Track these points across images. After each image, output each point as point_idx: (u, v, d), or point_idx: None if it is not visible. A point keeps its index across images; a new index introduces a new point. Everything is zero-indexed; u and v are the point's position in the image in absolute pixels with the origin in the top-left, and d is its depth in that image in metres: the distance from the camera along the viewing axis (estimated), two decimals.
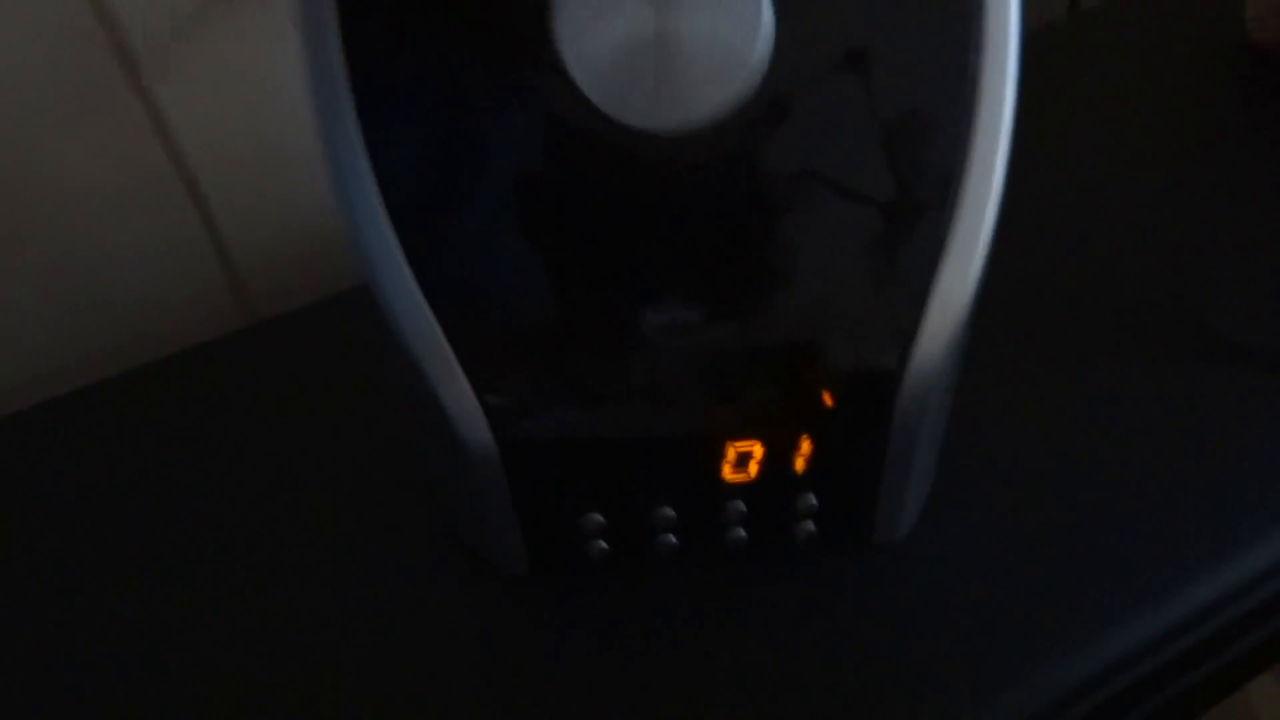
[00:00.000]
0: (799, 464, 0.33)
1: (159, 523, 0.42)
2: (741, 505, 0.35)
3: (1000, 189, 0.29)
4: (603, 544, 0.36)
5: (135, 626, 0.38)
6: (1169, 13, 0.66)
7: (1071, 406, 0.42)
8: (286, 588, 0.39)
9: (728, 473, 0.33)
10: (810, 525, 0.36)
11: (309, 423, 0.45)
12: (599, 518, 0.35)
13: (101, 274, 0.58)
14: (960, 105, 0.28)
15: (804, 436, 0.33)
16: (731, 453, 0.33)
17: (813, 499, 0.35)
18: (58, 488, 0.44)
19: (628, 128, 0.28)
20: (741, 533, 0.36)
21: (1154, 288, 0.46)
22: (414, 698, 0.35)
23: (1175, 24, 0.65)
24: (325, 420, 0.45)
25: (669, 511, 0.35)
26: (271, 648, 0.37)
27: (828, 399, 0.32)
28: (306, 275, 0.62)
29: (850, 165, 0.29)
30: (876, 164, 0.29)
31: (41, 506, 0.43)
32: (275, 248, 0.62)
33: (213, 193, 0.59)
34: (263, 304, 0.63)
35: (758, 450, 0.33)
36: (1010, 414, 0.41)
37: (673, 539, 0.36)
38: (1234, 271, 0.47)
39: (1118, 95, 0.60)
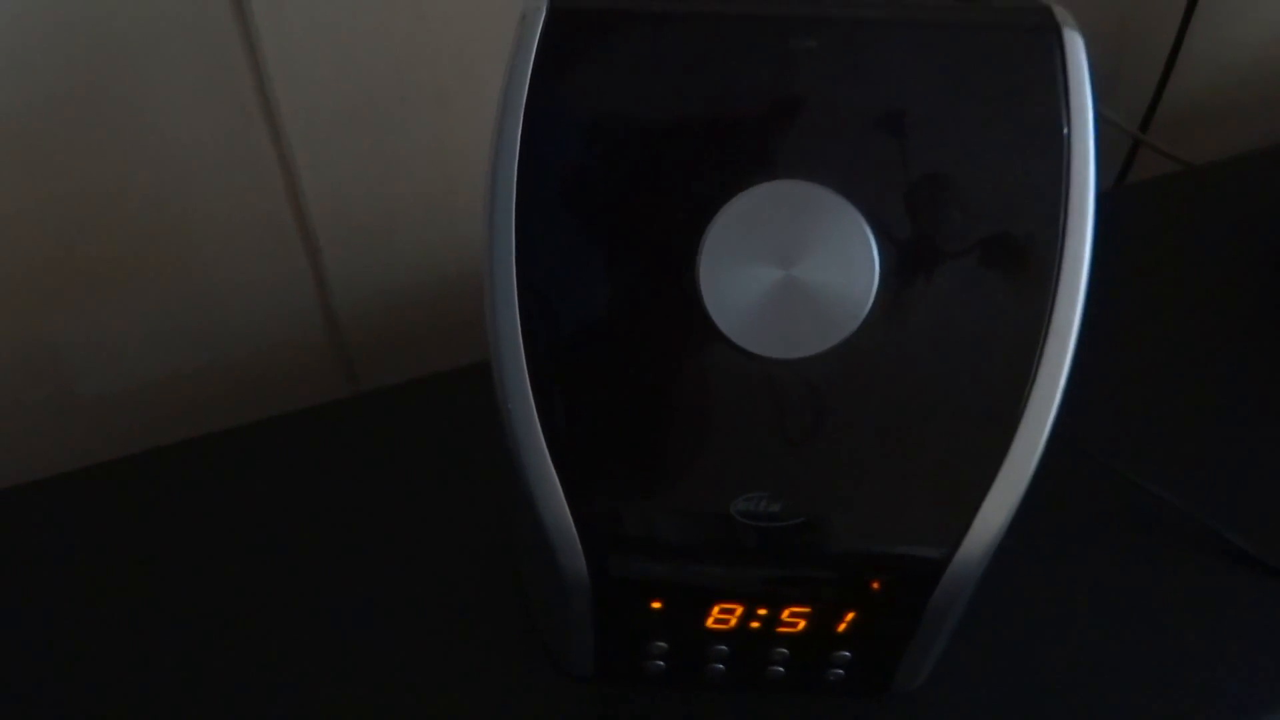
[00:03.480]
0: (841, 627, 0.39)
1: (243, 586, 0.47)
2: (785, 651, 0.40)
3: (1059, 404, 0.35)
4: (661, 664, 0.41)
5: (233, 686, 0.44)
6: (1215, 197, 0.71)
7: (1076, 588, 0.47)
8: (369, 658, 0.45)
9: (780, 626, 0.39)
10: (840, 671, 0.42)
11: (402, 499, 0.51)
12: (663, 644, 0.41)
13: (213, 311, 0.64)
14: (1031, 348, 0.34)
15: (850, 610, 0.38)
16: (786, 613, 0.39)
17: (846, 653, 0.41)
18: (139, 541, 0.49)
19: (744, 351, 0.34)
20: (781, 670, 0.41)
21: (1164, 484, 0.51)
22: None
23: (1219, 209, 0.70)
24: (421, 497, 0.51)
25: (723, 648, 0.40)
26: (351, 709, 0.43)
27: (875, 585, 0.37)
28: (406, 345, 0.67)
29: (928, 390, 0.35)
30: (951, 390, 0.35)
31: (119, 560, 0.49)
32: (380, 313, 0.67)
33: (328, 248, 0.64)
34: (357, 354, 0.68)
35: (809, 614, 0.39)
36: (1024, 586, 0.47)
37: (721, 667, 0.42)
38: (1253, 475, 0.53)
39: (1152, 279, 0.65)
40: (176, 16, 0.52)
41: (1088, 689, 0.44)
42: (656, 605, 0.39)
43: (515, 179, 0.33)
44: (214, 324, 0.64)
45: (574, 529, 0.36)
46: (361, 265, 0.66)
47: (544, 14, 0.33)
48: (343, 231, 0.64)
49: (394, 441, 0.54)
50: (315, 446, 0.54)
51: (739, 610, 0.39)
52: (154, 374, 0.63)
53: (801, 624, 0.39)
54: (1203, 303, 0.63)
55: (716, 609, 0.39)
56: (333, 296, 0.67)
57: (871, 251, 0.33)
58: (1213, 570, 0.48)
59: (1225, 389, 0.58)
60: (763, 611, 0.39)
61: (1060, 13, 0.34)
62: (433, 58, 0.60)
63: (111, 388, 0.62)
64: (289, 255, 0.64)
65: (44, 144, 0.53)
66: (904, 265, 0.33)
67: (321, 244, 0.64)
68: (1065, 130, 0.33)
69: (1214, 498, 0.50)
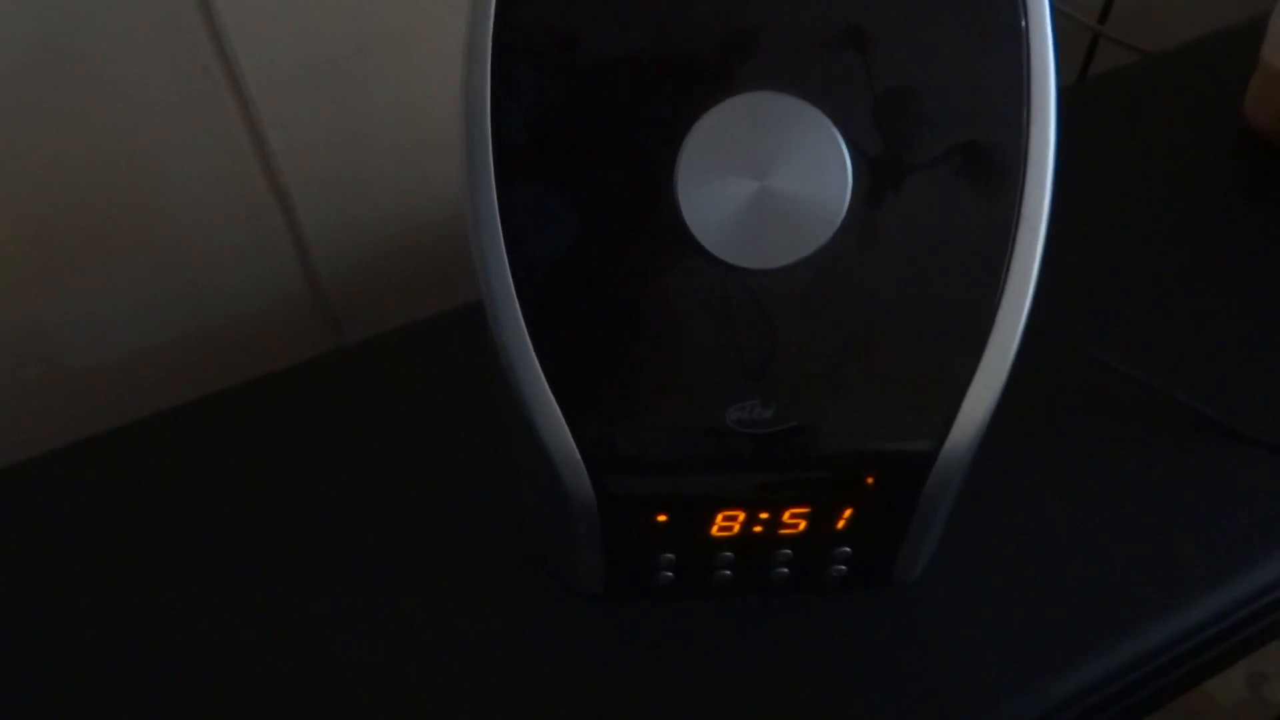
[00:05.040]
0: (839, 524, 0.41)
1: (256, 539, 0.49)
2: (788, 552, 0.42)
3: (1033, 296, 0.36)
4: (670, 575, 0.43)
5: (251, 628, 0.45)
6: (1174, 84, 0.72)
7: (1060, 470, 0.49)
8: (382, 594, 0.46)
9: (781, 529, 0.41)
10: (842, 567, 0.43)
11: (401, 444, 0.52)
12: (670, 556, 0.42)
13: (194, 277, 0.64)
14: (1002, 244, 0.35)
15: (847, 507, 0.40)
16: (786, 515, 0.40)
17: (847, 549, 0.42)
18: (146, 508, 0.50)
19: (727, 264, 0.35)
20: (785, 571, 0.43)
21: (1133, 362, 0.53)
22: (494, 693, 0.42)
23: (1178, 97, 0.71)
24: (419, 441, 0.52)
25: (728, 554, 0.42)
26: (368, 647, 0.44)
27: (869, 480, 0.39)
28: (389, 295, 0.68)
29: (906, 291, 0.36)
30: (928, 290, 0.36)
31: (128, 525, 0.50)
32: (360, 266, 0.67)
33: (301, 205, 0.64)
34: (341, 308, 0.69)
35: (808, 513, 0.40)
36: (1007, 473, 0.49)
37: (728, 574, 0.43)
38: (1210, 348, 0.54)
39: (1116, 168, 0.66)
40: None
41: (1074, 566, 0.46)
42: (661, 519, 0.40)
43: (489, 113, 0.34)
44: (196, 290, 0.64)
45: (576, 451, 0.38)
46: (337, 219, 0.66)
47: None
48: (315, 187, 0.64)
49: (388, 389, 0.55)
50: (310, 401, 0.55)
51: (741, 516, 0.40)
52: (143, 343, 0.64)
53: (802, 525, 0.41)
54: (1167, 188, 0.65)
55: (720, 517, 0.40)
56: (311, 253, 0.67)
57: (844, 158, 0.34)
58: (1187, 443, 0.50)
59: (1192, 270, 0.59)
60: (764, 515, 0.40)
61: None
62: (390, 3, 0.59)
63: (102, 359, 0.63)
64: (263, 215, 0.65)
65: (6, 121, 0.53)
66: (875, 170, 0.34)
67: (294, 201, 0.64)
68: (1023, 24, 0.34)
69: (1185, 374, 0.52)
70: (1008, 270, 0.35)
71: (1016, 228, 0.35)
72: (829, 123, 0.34)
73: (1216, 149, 0.67)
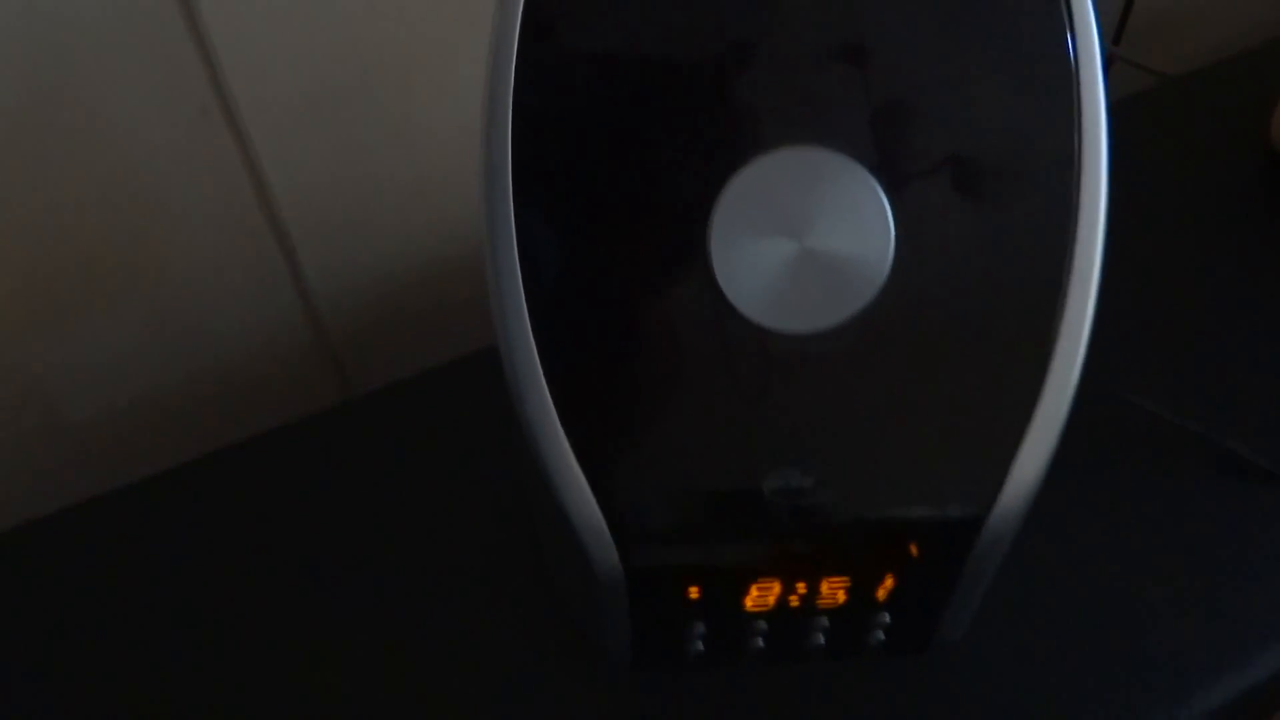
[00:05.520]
0: (880, 593, 0.39)
1: (272, 598, 0.47)
2: (825, 621, 0.40)
3: (1087, 347, 0.34)
4: (700, 646, 0.41)
5: (267, 681, 0.43)
6: (1195, 108, 0.71)
7: (1097, 524, 0.47)
8: (409, 657, 0.44)
9: (819, 599, 0.39)
10: (881, 635, 0.41)
11: (416, 500, 0.50)
12: (701, 627, 0.40)
13: (193, 322, 0.62)
14: (1054, 296, 0.33)
15: (889, 575, 0.38)
16: (824, 585, 0.38)
17: (887, 616, 0.40)
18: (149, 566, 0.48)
19: (763, 328, 0.33)
20: (821, 640, 0.41)
21: (1167, 401, 0.51)
22: None
23: (1200, 121, 0.69)
24: (435, 497, 0.50)
25: (762, 625, 0.40)
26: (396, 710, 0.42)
27: (914, 548, 0.37)
28: (394, 336, 0.66)
29: (950, 348, 0.34)
30: (976, 346, 0.34)
31: (133, 583, 0.48)
32: (364, 307, 0.65)
33: (303, 244, 0.62)
34: (345, 353, 0.67)
35: (847, 584, 0.38)
36: (1047, 525, 0.47)
37: (761, 643, 0.41)
38: (1246, 386, 0.52)
39: (1138, 196, 0.64)
40: (123, 19, 0.50)
41: (1122, 623, 0.44)
42: (693, 592, 0.38)
43: (510, 153, 0.32)
44: (196, 334, 0.62)
45: (604, 523, 0.36)
46: (339, 259, 0.64)
47: None
48: (316, 226, 0.62)
49: (399, 445, 0.53)
50: (317, 459, 0.53)
51: (777, 588, 0.38)
52: (142, 391, 0.62)
53: (841, 595, 0.39)
54: (1193, 215, 0.63)
55: (754, 589, 0.38)
56: (313, 294, 0.65)
57: (886, 214, 0.32)
58: (1231, 488, 0.48)
59: (1222, 304, 0.57)
60: (801, 587, 0.38)
61: None
62: (390, 35, 0.58)
63: (101, 409, 0.61)
64: (264, 256, 0.63)
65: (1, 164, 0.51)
66: (919, 226, 0.32)
67: (295, 241, 0.62)
68: (1073, 63, 0.32)
69: (1220, 412, 0.50)
70: (1060, 325, 0.33)
71: (1068, 283, 0.33)
72: (869, 177, 0.32)
73: (1243, 175, 0.66)
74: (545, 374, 0.33)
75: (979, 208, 0.33)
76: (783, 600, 0.38)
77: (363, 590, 0.47)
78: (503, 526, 0.48)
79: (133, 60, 0.52)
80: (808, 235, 0.32)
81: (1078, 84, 0.32)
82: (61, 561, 0.49)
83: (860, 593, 0.38)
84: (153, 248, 0.58)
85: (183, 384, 0.63)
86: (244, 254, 0.61)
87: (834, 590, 0.38)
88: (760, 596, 0.38)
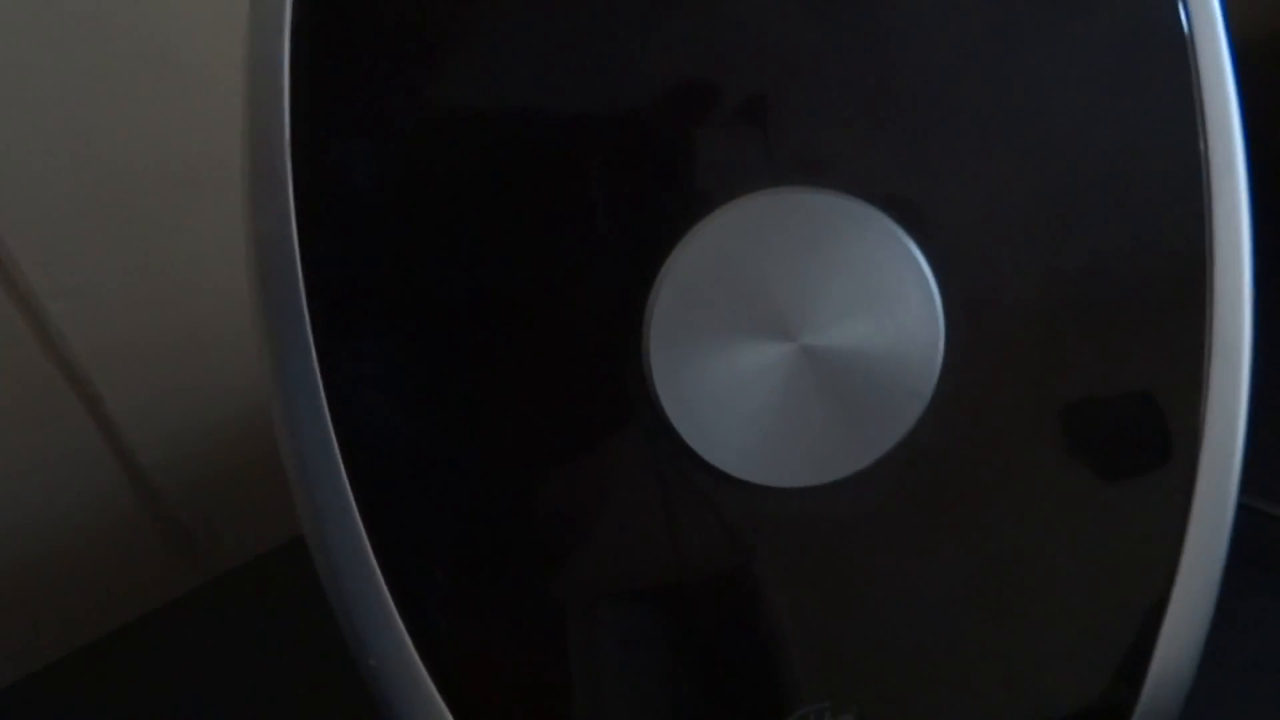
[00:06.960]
0: None
1: None
2: None
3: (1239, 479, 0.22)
4: None
5: None
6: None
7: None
8: None
9: None
10: None
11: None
12: None
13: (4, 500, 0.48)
14: (1191, 412, 0.21)
15: None
16: None
17: None
18: None
19: (745, 483, 0.20)
20: None
21: None
22: None
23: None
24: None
25: None
26: None
27: None
28: (234, 489, 0.53)
29: (1040, 504, 0.21)
30: (1076, 498, 0.21)
31: None
32: (193, 458, 0.53)
33: (109, 393, 0.49)
34: (192, 524, 0.54)
35: None
36: None
37: None
38: None
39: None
40: None
41: None
42: None
43: (298, 261, 0.19)
44: (11, 515, 0.48)
45: None
46: (155, 404, 0.50)
47: None
48: (119, 368, 0.49)
49: (263, 634, 0.41)
50: (167, 654, 0.43)
51: None
52: None
53: None
54: None
55: None
56: (133, 450, 0.51)
57: (930, 291, 0.19)
58: None
59: None
60: None
61: None
62: (166, 138, 0.46)
63: None
64: (66, 411, 0.49)
65: None
66: (981, 302, 0.20)
67: (100, 389, 0.49)
68: (1193, 74, 0.20)
69: None
70: (1200, 448, 0.21)
71: (1208, 374, 0.21)
72: (901, 234, 0.19)
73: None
74: (396, 603, 0.20)
75: (1071, 283, 0.20)
76: None
77: None
78: None
79: None
80: (804, 329, 0.19)
81: (1202, 109, 0.20)
82: None
83: None
84: None
85: (11, 571, 0.49)
86: (43, 413, 0.48)
87: None
88: None
